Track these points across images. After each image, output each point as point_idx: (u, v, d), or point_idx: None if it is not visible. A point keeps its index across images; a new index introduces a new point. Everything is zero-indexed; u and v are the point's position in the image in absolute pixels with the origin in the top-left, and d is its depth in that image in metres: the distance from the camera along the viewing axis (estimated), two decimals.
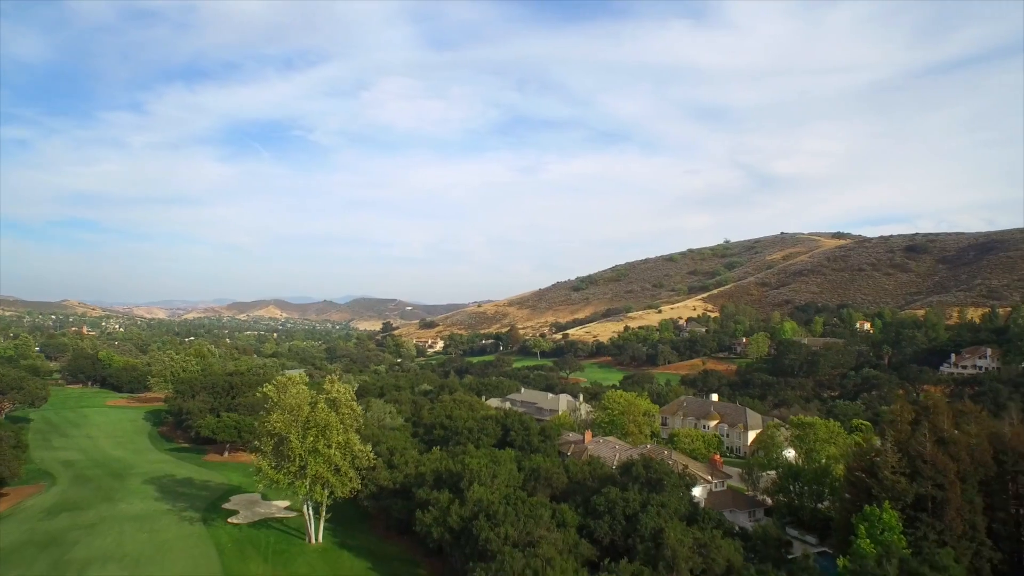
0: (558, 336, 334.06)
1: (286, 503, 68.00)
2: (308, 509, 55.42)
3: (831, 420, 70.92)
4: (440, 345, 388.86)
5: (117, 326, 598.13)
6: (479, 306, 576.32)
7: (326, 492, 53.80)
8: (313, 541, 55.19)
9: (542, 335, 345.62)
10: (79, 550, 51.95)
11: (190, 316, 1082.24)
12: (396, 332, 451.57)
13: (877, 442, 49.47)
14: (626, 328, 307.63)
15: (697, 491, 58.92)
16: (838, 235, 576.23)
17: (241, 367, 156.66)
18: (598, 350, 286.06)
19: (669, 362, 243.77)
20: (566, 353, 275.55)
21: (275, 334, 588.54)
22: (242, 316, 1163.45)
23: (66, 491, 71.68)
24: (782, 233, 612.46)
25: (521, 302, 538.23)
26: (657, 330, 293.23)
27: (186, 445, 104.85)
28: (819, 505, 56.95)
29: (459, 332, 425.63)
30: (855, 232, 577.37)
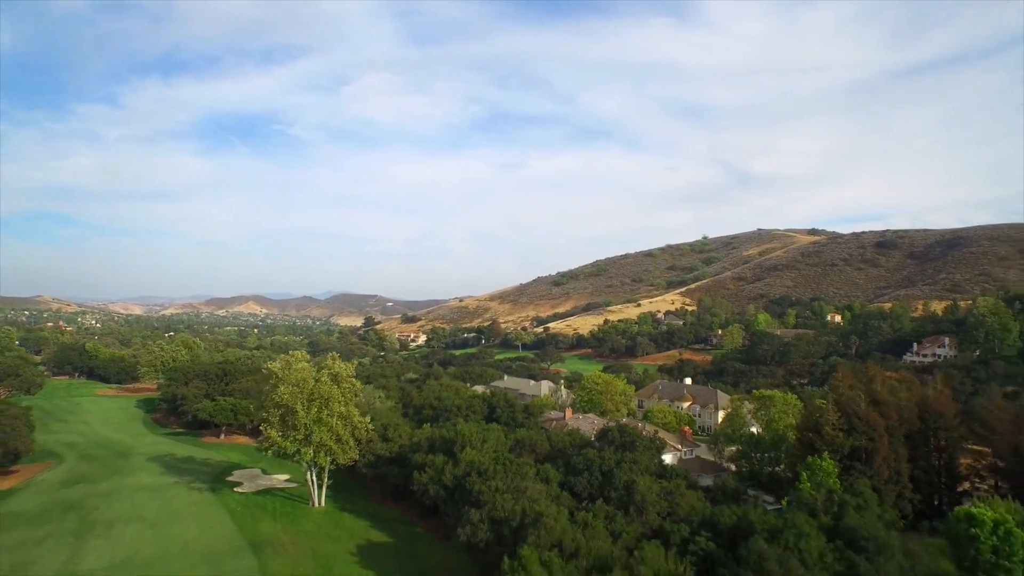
0: (539, 329, 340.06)
1: (286, 476, 72.65)
2: (311, 475, 60.27)
3: (790, 394, 77.43)
4: (422, 339, 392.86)
5: (94, 321, 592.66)
6: (461, 301, 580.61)
7: (328, 459, 58.66)
8: (316, 505, 60.08)
9: (523, 328, 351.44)
10: (100, 513, 56.23)
11: (168, 312, 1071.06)
12: (378, 327, 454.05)
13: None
14: (606, 321, 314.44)
15: (667, 457, 64.79)
16: (813, 231, 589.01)
17: (230, 357, 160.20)
18: (578, 342, 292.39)
19: (647, 353, 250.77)
20: (547, 345, 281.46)
21: (255, 329, 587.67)
22: (221, 312, 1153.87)
23: (75, 467, 75.58)
24: (759, 229, 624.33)
25: (502, 297, 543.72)
26: (636, 323, 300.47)
27: (181, 430, 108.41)
28: (776, 468, 63.10)
29: (441, 326, 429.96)
30: (830, 229, 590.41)
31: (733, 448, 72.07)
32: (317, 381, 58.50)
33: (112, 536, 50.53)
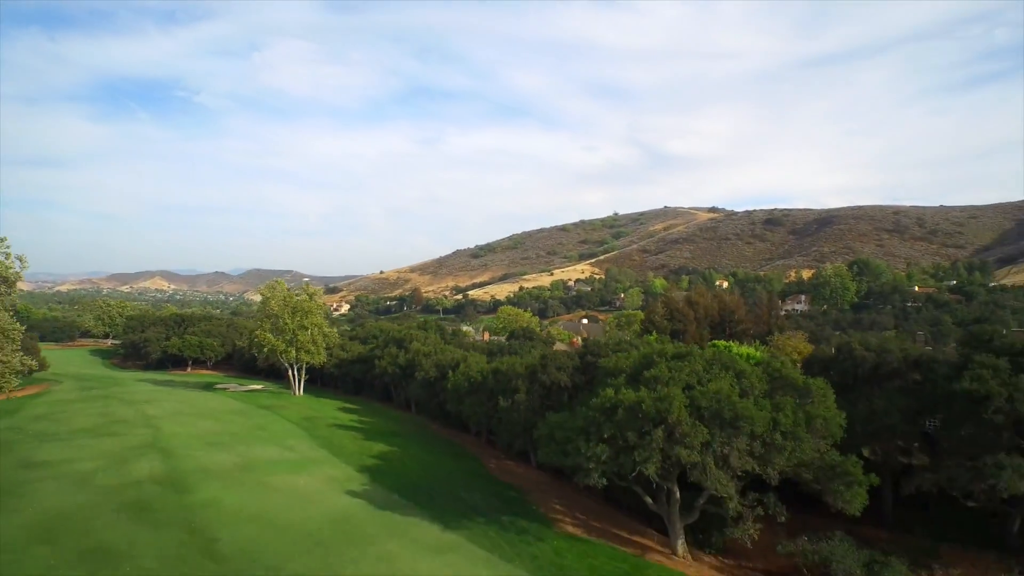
0: (459, 297, 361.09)
1: (260, 384, 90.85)
2: (292, 372, 79.34)
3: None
4: (345, 308, 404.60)
5: None
6: (382, 273, 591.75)
7: (307, 356, 77.83)
8: (297, 393, 79.35)
9: (444, 296, 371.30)
10: (132, 398, 73.15)
11: (64, 288, 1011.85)
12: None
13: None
14: (521, 288, 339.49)
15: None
16: (713, 209, 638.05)
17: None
18: (495, 307, 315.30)
19: (557, 314, 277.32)
20: (466, 309, 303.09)
21: (168, 304, 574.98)
22: (125, 288, 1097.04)
23: (80, 383, 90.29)
24: (665, 207, 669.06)
25: (423, 268, 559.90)
26: (548, 290, 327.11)
27: (145, 370, 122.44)
28: None
29: (364, 295, 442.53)
30: (728, 208, 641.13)
31: None
32: (298, 296, 77.43)
33: (154, 403, 68.04)
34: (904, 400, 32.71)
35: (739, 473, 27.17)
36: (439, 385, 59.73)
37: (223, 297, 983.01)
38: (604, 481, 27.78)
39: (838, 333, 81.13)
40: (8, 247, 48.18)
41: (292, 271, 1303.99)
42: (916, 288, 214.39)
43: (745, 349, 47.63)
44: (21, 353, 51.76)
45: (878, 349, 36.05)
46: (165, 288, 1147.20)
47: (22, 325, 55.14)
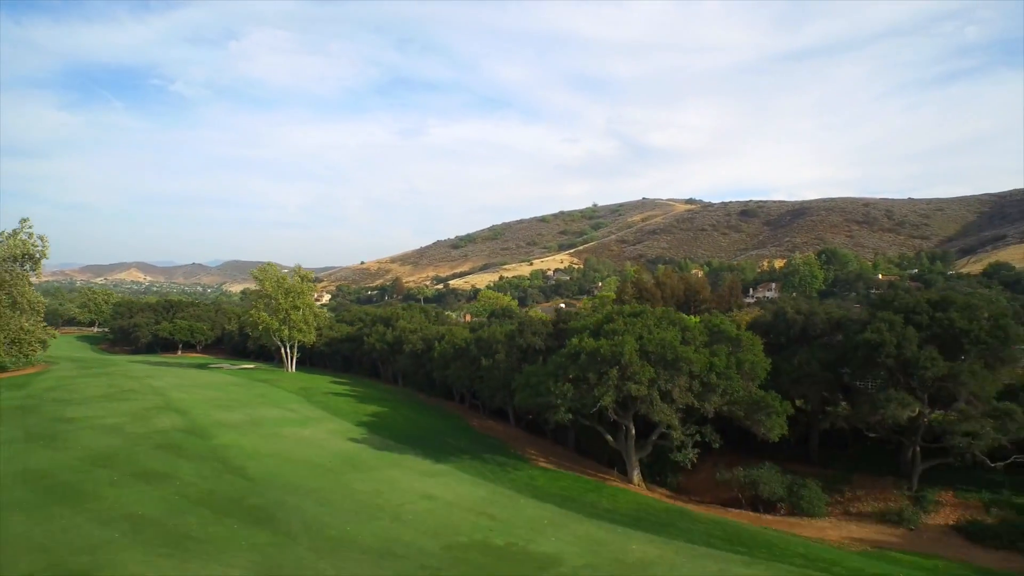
0: (440, 286, 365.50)
1: (252, 364, 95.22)
2: (285, 349, 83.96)
3: None
4: (327, 298, 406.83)
5: None
6: (362, 263, 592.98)
7: (299, 336, 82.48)
8: (289, 371, 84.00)
9: (425, 286, 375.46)
10: (130, 375, 77.24)
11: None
12: None
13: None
14: (501, 277, 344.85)
15: None
16: (690, 201, 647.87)
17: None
18: (475, 295, 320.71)
19: (537, 302, 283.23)
20: (447, 298, 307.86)
21: (146, 296, 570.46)
22: (99, 280, 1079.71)
23: (77, 364, 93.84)
24: (644, 199, 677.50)
25: (403, 259, 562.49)
26: (528, 279, 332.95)
27: (135, 354, 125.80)
28: None
29: (345, 285, 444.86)
30: (706, 200, 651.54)
31: None
32: (291, 279, 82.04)
33: (155, 378, 72.31)
34: (824, 354, 38.70)
35: (681, 406, 32.93)
36: (426, 356, 64.96)
37: (201, 289, 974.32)
38: (570, 416, 33.38)
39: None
40: (31, 227, 52.16)
41: (271, 263, 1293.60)
42: (880, 276, 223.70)
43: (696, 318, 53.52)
44: (44, 324, 55.93)
45: (807, 313, 42.04)
46: (141, 280, 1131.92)
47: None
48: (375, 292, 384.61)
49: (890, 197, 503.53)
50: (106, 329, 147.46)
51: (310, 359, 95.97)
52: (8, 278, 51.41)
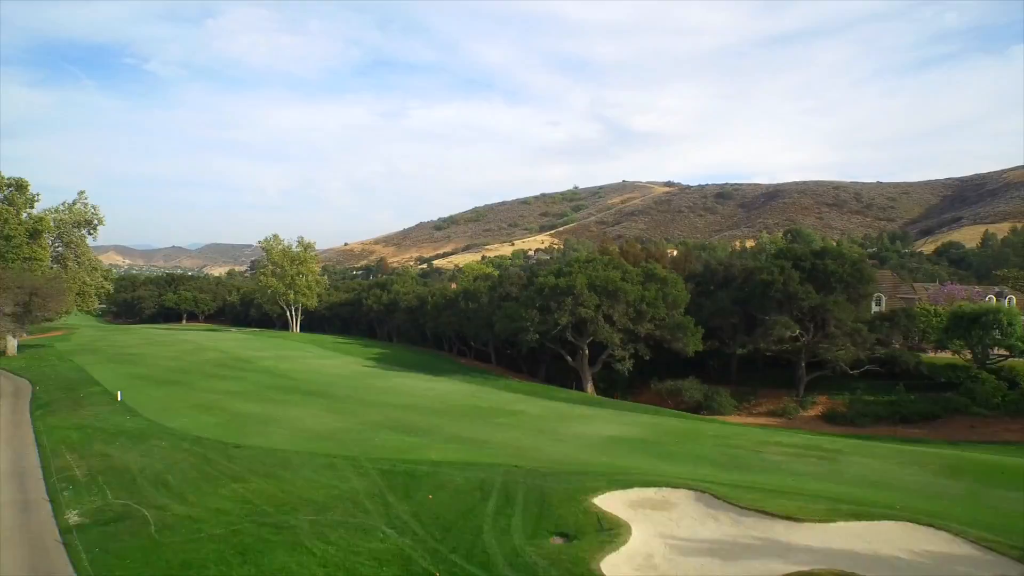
0: (424, 266, 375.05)
1: (256, 330, 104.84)
2: (290, 311, 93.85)
3: None
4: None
5: None
6: (346, 245, 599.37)
7: (303, 299, 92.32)
8: (294, 331, 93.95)
9: (409, 266, 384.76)
10: (152, 334, 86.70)
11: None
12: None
13: None
14: (483, 257, 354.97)
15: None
16: (668, 184, 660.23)
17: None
18: (459, 273, 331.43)
19: None
20: (431, 276, 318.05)
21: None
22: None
23: (96, 329, 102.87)
24: (623, 181, 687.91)
25: (387, 240, 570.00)
26: (509, 259, 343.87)
27: (140, 323, 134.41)
28: None
29: (330, 265, 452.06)
30: (684, 183, 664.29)
31: None
32: (294, 248, 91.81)
33: (177, 334, 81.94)
34: (737, 293, 49.70)
35: (620, 328, 43.87)
36: (419, 311, 75.43)
37: (181, 271, 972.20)
38: (537, 336, 44.19)
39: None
40: (87, 198, 61.49)
41: (252, 245, 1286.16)
42: (888, 271, 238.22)
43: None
44: (103, 279, 65.50)
45: (726, 264, 53.10)
46: (120, 263, 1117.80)
47: None
48: (360, 272, 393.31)
49: (860, 181, 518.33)
50: (103, 306, 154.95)
51: (310, 325, 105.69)
52: (74, 240, 60.60)
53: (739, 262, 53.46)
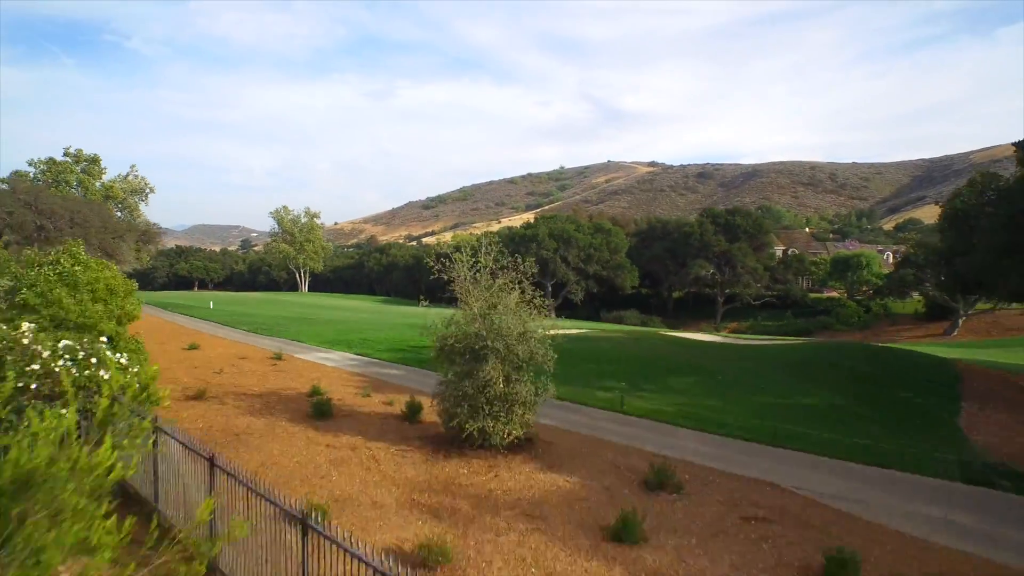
0: (413, 244, 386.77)
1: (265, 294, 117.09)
2: (299, 274, 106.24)
3: None
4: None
5: None
6: (336, 224, 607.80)
7: (311, 263, 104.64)
8: (304, 291, 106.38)
9: (399, 243, 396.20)
10: (183, 296, 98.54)
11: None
12: (256, 248, 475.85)
13: None
14: (471, 235, 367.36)
15: None
16: (652, 164, 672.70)
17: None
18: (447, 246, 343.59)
19: None
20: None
21: None
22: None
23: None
24: (608, 161, 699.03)
25: (376, 219, 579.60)
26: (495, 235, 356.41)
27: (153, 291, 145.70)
28: None
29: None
30: (668, 163, 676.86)
31: None
32: (302, 217, 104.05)
33: (203, 298, 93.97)
34: (669, 245, 62.95)
35: (574, 267, 56.94)
36: (415, 270, 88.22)
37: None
38: None
39: None
40: (138, 171, 73.20)
41: (240, 226, 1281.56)
42: (807, 230, 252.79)
43: None
44: (158, 236, 77.66)
45: (664, 223, 66.28)
46: None
47: None
48: (352, 248, 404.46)
49: (836, 161, 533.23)
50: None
51: (315, 287, 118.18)
52: (130, 205, 72.24)
53: (674, 221, 66.61)
